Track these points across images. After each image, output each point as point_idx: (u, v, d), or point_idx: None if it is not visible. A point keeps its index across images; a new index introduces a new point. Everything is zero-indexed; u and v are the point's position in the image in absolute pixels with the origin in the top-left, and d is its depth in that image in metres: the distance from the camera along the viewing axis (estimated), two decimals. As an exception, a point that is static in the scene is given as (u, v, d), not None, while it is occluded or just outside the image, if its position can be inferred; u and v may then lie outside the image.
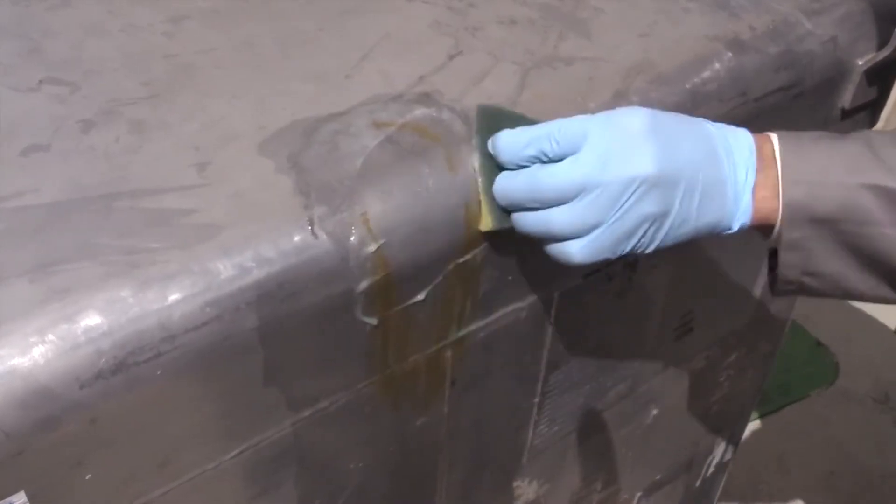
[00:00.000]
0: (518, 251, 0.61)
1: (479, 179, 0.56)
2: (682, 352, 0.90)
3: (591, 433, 0.87)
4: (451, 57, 0.64)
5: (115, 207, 0.50)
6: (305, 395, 0.56)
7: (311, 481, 0.61)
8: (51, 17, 0.65)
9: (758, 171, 0.55)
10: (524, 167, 0.54)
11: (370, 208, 0.53)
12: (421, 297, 0.57)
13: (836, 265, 0.56)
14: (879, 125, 0.86)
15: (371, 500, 0.68)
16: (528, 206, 0.54)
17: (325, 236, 0.51)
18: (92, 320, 0.45)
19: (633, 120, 0.52)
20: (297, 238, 0.51)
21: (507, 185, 0.55)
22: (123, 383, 0.45)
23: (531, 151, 0.53)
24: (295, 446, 0.58)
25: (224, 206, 0.51)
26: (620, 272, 0.72)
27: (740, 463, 1.29)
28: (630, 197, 0.51)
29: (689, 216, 0.54)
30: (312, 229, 0.51)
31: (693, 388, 0.97)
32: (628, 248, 0.54)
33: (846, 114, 0.79)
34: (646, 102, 0.64)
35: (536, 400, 0.75)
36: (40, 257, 0.47)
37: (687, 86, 0.66)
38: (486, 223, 0.56)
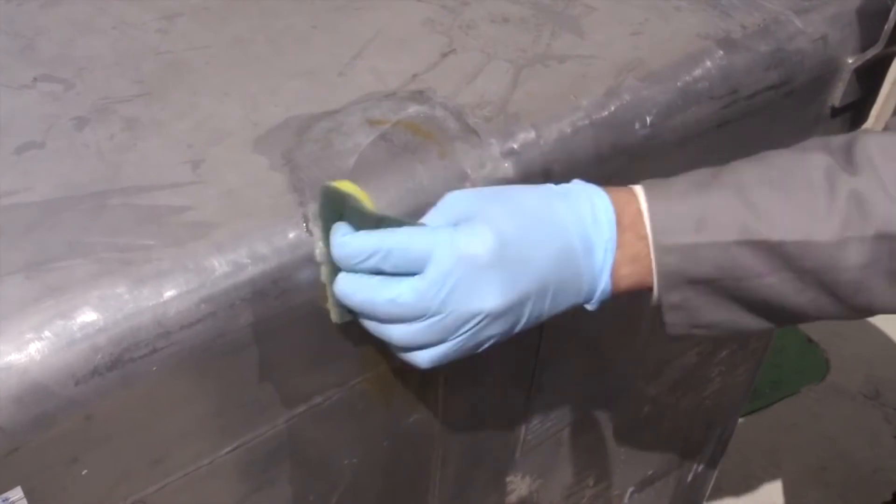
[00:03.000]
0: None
1: (322, 269, 0.52)
2: (674, 347, 0.90)
3: (584, 429, 0.87)
4: (444, 55, 0.65)
5: (109, 205, 0.50)
6: (299, 392, 0.56)
7: (305, 478, 0.61)
8: (43, 14, 0.65)
9: (619, 247, 0.52)
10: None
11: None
12: (414, 293, 0.57)
13: (723, 315, 0.54)
14: (869, 122, 0.87)
15: (365, 496, 0.68)
16: (368, 317, 0.51)
17: (319, 233, 0.51)
18: (87, 317, 0.45)
19: (479, 248, 0.48)
20: (291, 235, 0.51)
21: (345, 294, 0.51)
22: (119, 380, 0.46)
23: (370, 265, 0.49)
24: (289, 443, 0.58)
25: (218, 203, 0.51)
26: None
27: (732, 458, 1.30)
28: (474, 327, 0.49)
29: (541, 315, 0.52)
30: (307, 226, 0.51)
31: (685, 383, 0.97)
32: (476, 352, 0.52)
33: (836, 111, 0.80)
34: (637, 99, 0.64)
35: (529, 396, 0.75)
36: (35, 255, 0.47)
37: (678, 84, 0.67)
38: (335, 316, 0.53)
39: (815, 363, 1.84)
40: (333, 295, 0.52)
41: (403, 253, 0.48)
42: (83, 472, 0.47)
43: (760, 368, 1.11)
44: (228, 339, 0.49)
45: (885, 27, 0.74)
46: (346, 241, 0.50)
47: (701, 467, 1.17)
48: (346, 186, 0.52)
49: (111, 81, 0.59)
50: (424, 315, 0.49)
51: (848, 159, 0.52)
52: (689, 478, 1.17)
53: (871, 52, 0.75)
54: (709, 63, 0.68)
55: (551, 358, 0.74)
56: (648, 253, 0.52)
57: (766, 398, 1.75)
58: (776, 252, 0.51)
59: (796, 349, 1.86)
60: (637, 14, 0.71)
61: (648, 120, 0.65)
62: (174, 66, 0.61)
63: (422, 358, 0.51)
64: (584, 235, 0.51)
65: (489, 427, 0.75)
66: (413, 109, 0.59)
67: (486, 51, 0.65)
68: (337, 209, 0.51)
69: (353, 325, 0.53)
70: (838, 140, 0.54)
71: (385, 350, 0.54)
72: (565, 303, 0.52)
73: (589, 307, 0.54)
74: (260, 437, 0.56)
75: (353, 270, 0.50)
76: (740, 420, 1.17)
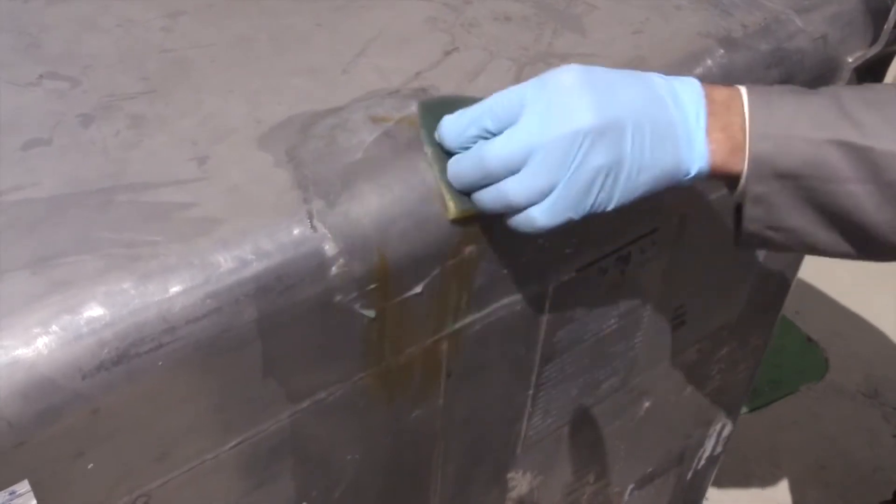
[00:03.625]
0: (512, 245, 0.62)
1: (434, 169, 0.56)
2: (675, 345, 0.91)
3: (585, 426, 0.88)
4: (447, 53, 0.65)
5: (115, 201, 0.51)
6: (303, 387, 0.56)
7: (308, 473, 0.62)
8: (48, 12, 0.65)
9: (710, 114, 0.54)
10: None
11: (368, 202, 0.53)
12: (418, 289, 0.57)
13: (799, 220, 0.56)
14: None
15: (367, 491, 0.68)
16: (482, 183, 0.54)
17: (323, 229, 0.52)
18: (94, 312, 0.45)
19: (566, 76, 0.52)
20: (295, 231, 0.51)
21: (457, 168, 0.55)
22: (125, 374, 0.46)
23: (473, 131, 0.54)
24: (292, 438, 0.58)
25: (223, 199, 0.52)
26: (613, 266, 0.73)
27: (731, 456, 1.30)
28: (577, 152, 0.51)
29: (643, 162, 0.53)
30: (311, 223, 0.52)
31: (685, 381, 0.97)
32: (589, 204, 0.53)
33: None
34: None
35: (531, 392, 0.76)
36: (41, 250, 0.47)
37: (679, 82, 0.67)
38: (451, 210, 0.56)
39: (815, 362, 1.85)
40: (448, 188, 0.55)
41: (501, 105, 0.53)
42: (89, 466, 0.48)
43: (760, 367, 1.11)
44: (233, 334, 0.50)
45: (885, 26, 0.74)
46: (450, 118, 0.55)
47: (700, 465, 1.17)
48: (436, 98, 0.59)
49: (116, 79, 0.60)
50: (531, 152, 0.51)
51: None
52: (689, 476, 1.17)
53: (871, 52, 0.76)
54: (709, 62, 0.69)
55: (552, 354, 0.75)
56: (741, 127, 0.54)
57: (766, 397, 1.75)
58: (864, 158, 0.53)
59: (796, 348, 1.86)
60: (638, 13, 0.72)
61: (650, 118, 0.65)
62: (178, 63, 0.61)
63: (538, 213, 0.53)
64: (673, 93, 0.54)
65: (490, 424, 0.75)
66: (416, 107, 0.59)
67: (489, 49, 0.66)
68: (436, 114, 0.57)
69: (469, 221, 0.57)
70: None
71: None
72: (665, 157, 0.54)
73: (689, 173, 0.55)
74: (263, 433, 0.56)
75: (461, 144, 0.54)
76: (740, 418, 1.17)
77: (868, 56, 0.76)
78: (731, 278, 0.92)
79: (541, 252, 0.65)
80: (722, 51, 0.70)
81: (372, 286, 0.55)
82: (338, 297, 0.53)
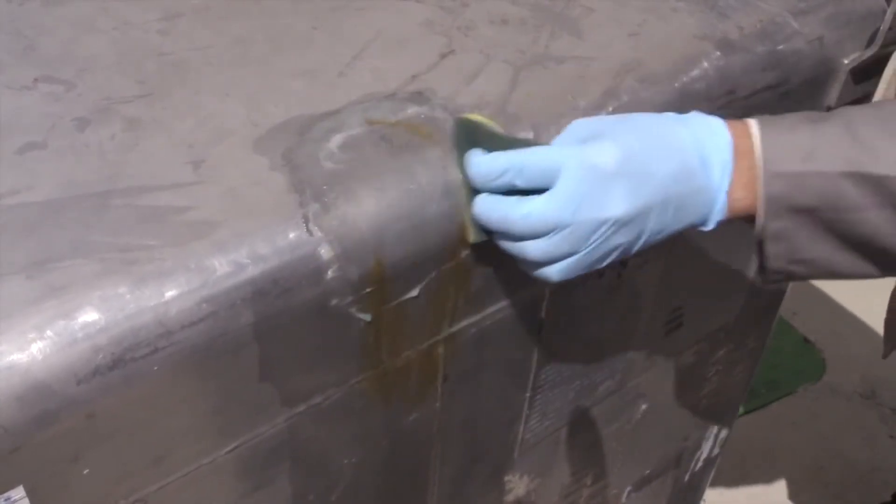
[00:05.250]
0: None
1: (461, 193, 0.56)
2: (672, 347, 0.91)
3: (582, 428, 0.88)
4: (444, 56, 0.65)
5: (111, 205, 0.51)
6: (299, 391, 0.56)
7: (305, 476, 0.62)
8: (45, 15, 0.65)
9: (735, 170, 0.55)
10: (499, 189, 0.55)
11: (364, 205, 0.53)
12: (414, 293, 0.57)
13: (821, 250, 0.56)
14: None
15: (364, 494, 0.68)
16: (504, 236, 0.55)
17: (319, 233, 0.52)
18: (89, 316, 0.45)
19: (606, 158, 0.52)
20: (291, 235, 0.51)
21: (482, 213, 0.55)
22: (120, 379, 0.46)
23: (503, 182, 0.53)
24: (289, 442, 0.58)
25: (219, 203, 0.51)
26: (611, 268, 0.73)
27: (729, 457, 1.30)
28: (602, 235, 0.53)
29: (663, 229, 0.55)
30: (307, 226, 0.52)
31: (682, 382, 0.97)
32: (602, 266, 0.55)
33: (833, 112, 0.80)
34: (636, 101, 0.65)
35: (528, 395, 0.76)
36: (36, 254, 0.47)
37: (676, 84, 0.67)
38: (470, 236, 0.57)
39: (812, 363, 1.85)
40: (470, 215, 0.56)
41: (535, 168, 0.52)
42: (85, 471, 0.48)
43: (757, 368, 1.11)
44: (229, 338, 0.50)
45: (881, 28, 0.74)
46: (482, 160, 0.54)
47: (698, 467, 1.17)
48: (477, 117, 0.57)
49: (112, 81, 0.59)
50: (557, 227, 0.52)
51: None
52: (687, 477, 1.17)
53: (867, 53, 0.76)
54: (706, 64, 0.69)
55: (550, 357, 0.74)
56: (756, 177, 0.54)
57: (763, 398, 1.75)
58: (880, 186, 0.53)
59: (793, 349, 1.87)
60: (635, 15, 0.72)
61: (646, 121, 0.65)
62: (175, 66, 0.61)
63: (553, 271, 0.54)
64: (701, 155, 0.54)
65: (487, 426, 0.75)
66: (413, 110, 0.59)
67: (486, 52, 0.66)
68: (470, 138, 0.56)
69: (486, 245, 0.57)
70: None
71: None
72: (685, 220, 0.55)
73: (706, 228, 0.56)
74: (260, 436, 0.56)
75: (488, 190, 0.54)
76: (737, 419, 1.18)
77: (864, 58, 0.76)
78: (728, 280, 0.92)
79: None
80: (718, 53, 0.70)
81: (368, 290, 0.54)
82: (334, 301, 0.53)
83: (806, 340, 1.89)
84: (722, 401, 1.09)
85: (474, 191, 0.55)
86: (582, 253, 0.53)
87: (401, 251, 0.55)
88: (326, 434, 0.61)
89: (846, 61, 0.77)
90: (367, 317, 0.55)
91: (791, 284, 1.02)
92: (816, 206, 0.54)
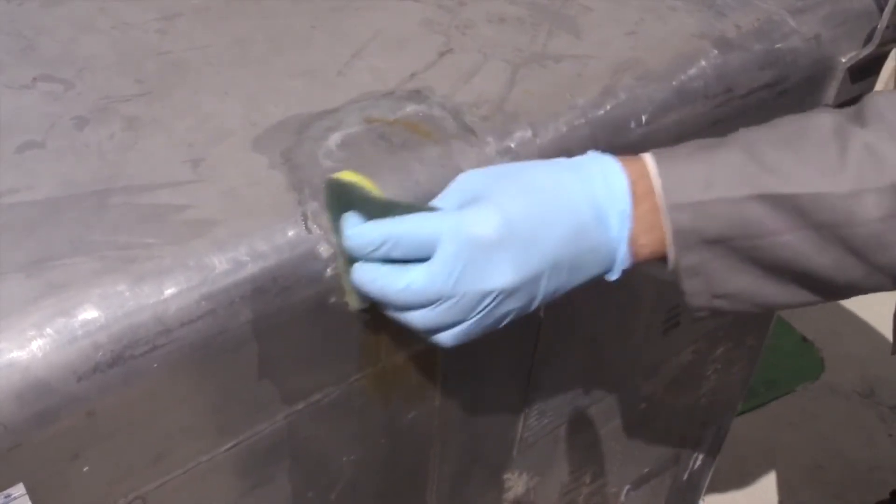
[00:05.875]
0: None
1: (338, 260, 0.52)
2: (670, 345, 0.91)
3: (581, 426, 0.88)
4: (442, 54, 0.65)
5: (110, 204, 0.51)
6: (299, 389, 0.57)
7: (304, 475, 0.62)
8: (44, 14, 0.65)
9: (635, 218, 0.51)
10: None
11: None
12: (413, 291, 0.57)
13: (743, 282, 0.53)
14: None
15: (363, 492, 0.68)
16: (386, 306, 0.52)
17: (318, 231, 0.52)
18: (89, 314, 0.45)
19: (485, 228, 0.48)
20: (290, 233, 0.51)
21: (361, 284, 0.51)
22: (120, 376, 0.46)
23: (380, 254, 0.50)
24: (288, 440, 0.58)
25: (218, 201, 0.52)
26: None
27: (728, 456, 1.30)
28: (488, 305, 0.50)
29: (559, 288, 0.52)
30: (306, 224, 0.52)
31: (681, 381, 0.98)
32: (501, 326, 0.52)
33: (830, 110, 0.80)
34: (633, 99, 0.65)
35: (526, 393, 0.76)
36: (36, 253, 0.47)
37: (673, 83, 0.67)
38: (354, 303, 0.54)
39: (811, 362, 1.85)
40: (350, 283, 0.52)
41: (412, 240, 0.49)
42: (84, 469, 0.48)
43: (756, 367, 1.11)
44: (228, 336, 0.50)
45: (878, 26, 0.75)
46: (356, 232, 0.50)
47: (697, 465, 1.18)
48: (349, 176, 0.52)
49: (111, 81, 0.60)
50: (439, 299, 0.49)
51: (857, 115, 0.51)
52: (685, 476, 1.17)
53: (865, 52, 0.76)
54: (704, 62, 0.69)
55: (548, 356, 0.75)
56: (659, 217, 0.51)
57: (762, 397, 1.75)
58: (790, 206, 0.50)
59: (792, 348, 1.87)
60: (633, 14, 0.72)
61: (644, 119, 0.65)
62: (174, 65, 0.61)
63: (445, 338, 0.51)
64: (596, 208, 0.51)
65: (487, 424, 0.75)
66: (411, 108, 0.59)
67: (484, 50, 0.66)
68: (344, 200, 0.52)
69: (369, 311, 0.54)
70: (846, 108, 0.53)
71: (397, 337, 0.56)
72: (584, 275, 0.52)
73: (609, 277, 0.53)
74: (259, 434, 0.56)
75: (366, 260, 0.51)
76: (736, 418, 1.18)
77: (861, 56, 0.76)
78: (726, 278, 0.92)
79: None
80: (716, 51, 0.70)
81: (367, 287, 0.55)
82: (333, 299, 0.53)
83: (804, 339, 1.89)
84: (720, 399, 1.09)
85: (351, 258, 0.52)
86: (471, 321, 0.50)
87: (399, 249, 0.55)
88: (326, 432, 0.61)
89: (844, 60, 0.77)
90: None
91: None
92: (727, 235, 0.51)
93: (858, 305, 1.92)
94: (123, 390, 0.47)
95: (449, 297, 0.49)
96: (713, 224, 0.51)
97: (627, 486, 1.06)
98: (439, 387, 0.66)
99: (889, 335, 1.88)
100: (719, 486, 1.56)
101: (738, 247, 0.51)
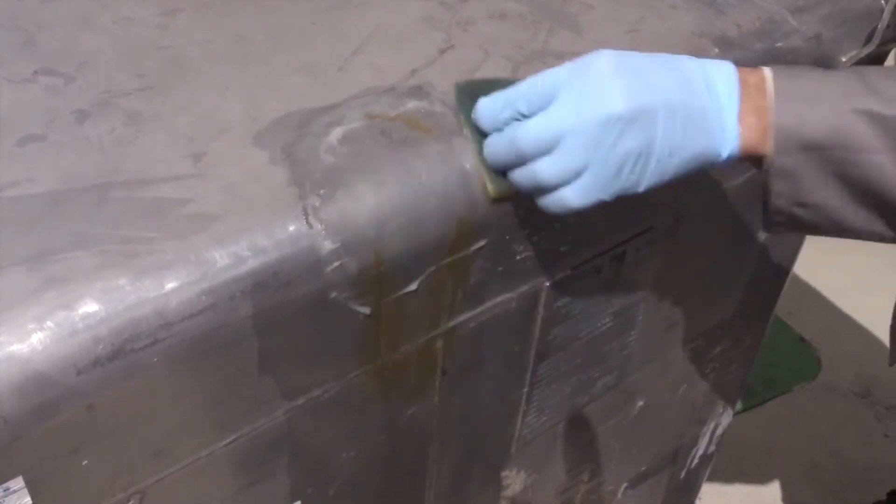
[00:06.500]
0: (508, 243, 0.62)
1: (473, 150, 0.57)
2: (669, 344, 0.91)
3: (579, 424, 0.88)
4: (443, 51, 0.65)
5: (111, 198, 0.51)
6: (298, 384, 0.57)
7: (303, 470, 0.62)
8: (44, 9, 0.65)
9: (743, 98, 0.55)
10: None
11: (363, 199, 0.54)
12: (413, 287, 0.57)
13: (826, 195, 0.55)
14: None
15: (362, 488, 0.68)
16: (516, 164, 0.55)
17: (319, 226, 0.52)
18: (89, 307, 0.45)
19: (601, 62, 0.53)
20: (291, 228, 0.51)
21: (492, 148, 0.56)
22: (120, 370, 0.46)
23: (508, 114, 0.55)
24: (287, 435, 0.58)
25: (219, 196, 0.52)
26: (608, 264, 0.73)
27: (725, 455, 1.31)
28: (609, 136, 0.52)
29: (674, 145, 0.54)
30: (307, 219, 0.52)
31: (679, 379, 0.98)
32: (620, 186, 0.54)
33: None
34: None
35: (525, 390, 0.76)
36: (37, 246, 0.47)
37: (674, 81, 0.67)
38: (490, 191, 0.57)
39: (808, 362, 1.85)
40: (487, 169, 0.57)
41: (536, 90, 0.54)
42: (84, 463, 0.48)
43: (753, 366, 1.11)
44: (228, 330, 0.50)
45: (879, 26, 0.75)
46: (485, 102, 0.56)
47: (694, 464, 1.18)
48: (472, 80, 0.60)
49: (112, 75, 0.59)
50: (562, 137, 0.52)
51: None
52: (682, 475, 1.18)
53: (865, 51, 0.76)
54: (704, 61, 0.69)
55: (547, 353, 0.75)
56: (767, 111, 0.55)
57: (759, 396, 1.75)
58: (889, 127, 0.53)
59: (789, 348, 1.87)
60: (633, 12, 0.72)
61: (645, 117, 0.65)
62: (175, 60, 0.61)
63: (569, 194, 0.53)
64: (706, 78, 0.55)
65: (485, 421, 0.75)
66: (412, 104, 0.59)
67: (485, 47, 0.66)
68: (473, 97, 0.58)
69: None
70: None
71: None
72: (697, 141, 0.54)
73: (719, 158, 0.55)
74: (258, 430, 0.56)
75: (497, 127, 0.55)
76: (733, 417, 1.18)
77: (862, 55, 0.76)
78: (725, 277, 0.92)
79: (536, 250, 0.65)
80: (717, 50, 0.70)
81: (367, 283, 0.55)
82: (333, 294, 0.53)
83: (802, 339, 1.89)
84: (718, 398, 1.09)
85: (486, 141, 0.57)
86: (594, 165, 0.53)
87: (400, 245, 0.55)
88: (325, 428, 0.61)
89: (844, 59, 0.77)
90: (366, 310, 0.56)
91: (787, 284, 1.03)
92: (825, 144, 0.54)
93: (855, 306, 1.93)
94: (123, 384, 0.47)
95: (570, 133, 0.52)
96: (815, 129, 0.54)
97: (625, 485, 1.06)
98: (438, 383, 0.66)
99: (885, 337, 1.89)
100: (716, 486, 1.57)
101: (833, 158, 0.54)
